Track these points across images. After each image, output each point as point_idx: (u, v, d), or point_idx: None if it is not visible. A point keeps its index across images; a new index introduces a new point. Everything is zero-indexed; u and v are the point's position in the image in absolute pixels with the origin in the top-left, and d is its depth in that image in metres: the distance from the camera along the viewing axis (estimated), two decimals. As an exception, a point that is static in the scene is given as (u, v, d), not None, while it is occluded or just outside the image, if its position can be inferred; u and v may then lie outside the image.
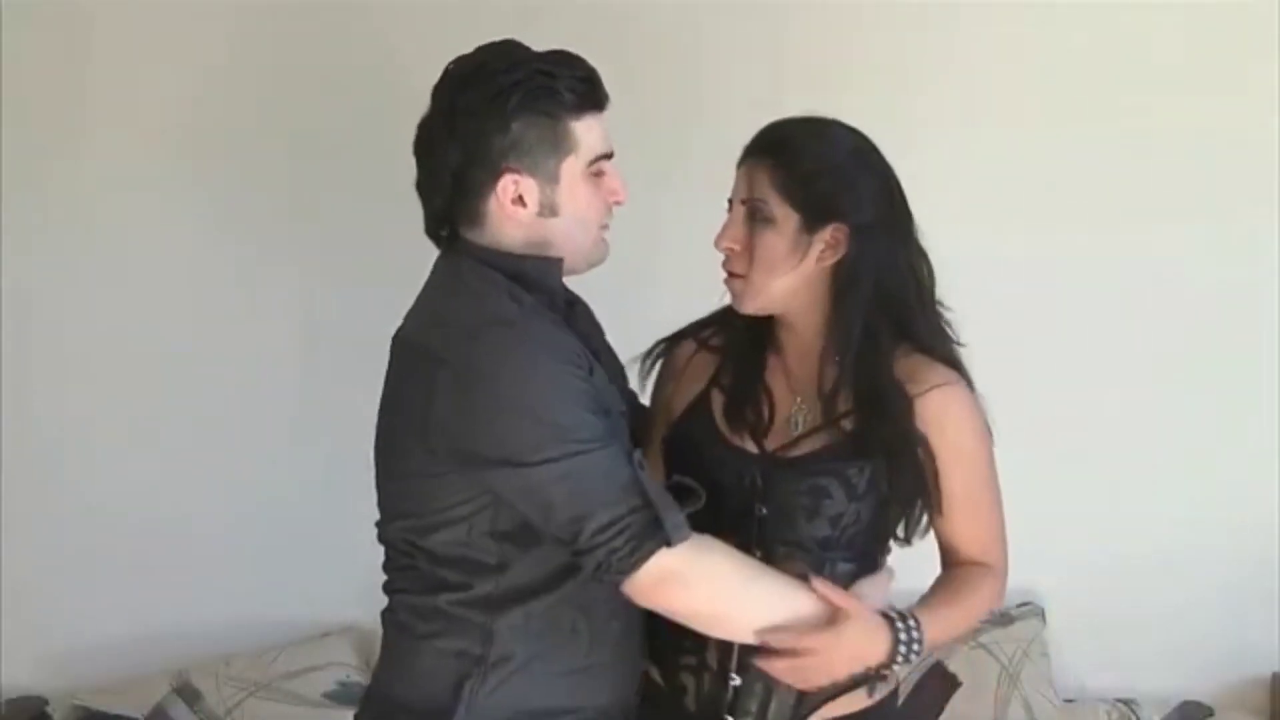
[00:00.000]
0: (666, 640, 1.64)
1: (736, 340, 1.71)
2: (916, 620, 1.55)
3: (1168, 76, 2.55)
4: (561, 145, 1.55)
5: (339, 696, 2.45)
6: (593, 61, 1.58)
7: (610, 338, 1.76)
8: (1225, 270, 2.61)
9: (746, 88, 2.50)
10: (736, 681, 1.58)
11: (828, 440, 1.63)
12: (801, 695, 1.56)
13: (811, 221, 1.58)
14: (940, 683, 2.57)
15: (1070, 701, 2.64)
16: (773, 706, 1.56)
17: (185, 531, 2.53)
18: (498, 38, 1.58)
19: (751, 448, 1.66)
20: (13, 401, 2.47)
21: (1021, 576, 2.67)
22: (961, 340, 1.68)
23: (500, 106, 1.52)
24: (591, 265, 1.64)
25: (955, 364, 1.66)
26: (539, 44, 1.57)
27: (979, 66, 2.56)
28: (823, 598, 1.51)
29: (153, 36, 2.46)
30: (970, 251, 2.52)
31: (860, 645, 1.51)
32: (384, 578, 1.65)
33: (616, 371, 1.73)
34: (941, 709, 2.55)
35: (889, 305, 1.61)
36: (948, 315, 1.67)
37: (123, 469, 2.52)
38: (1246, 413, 2.65)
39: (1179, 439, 2.65)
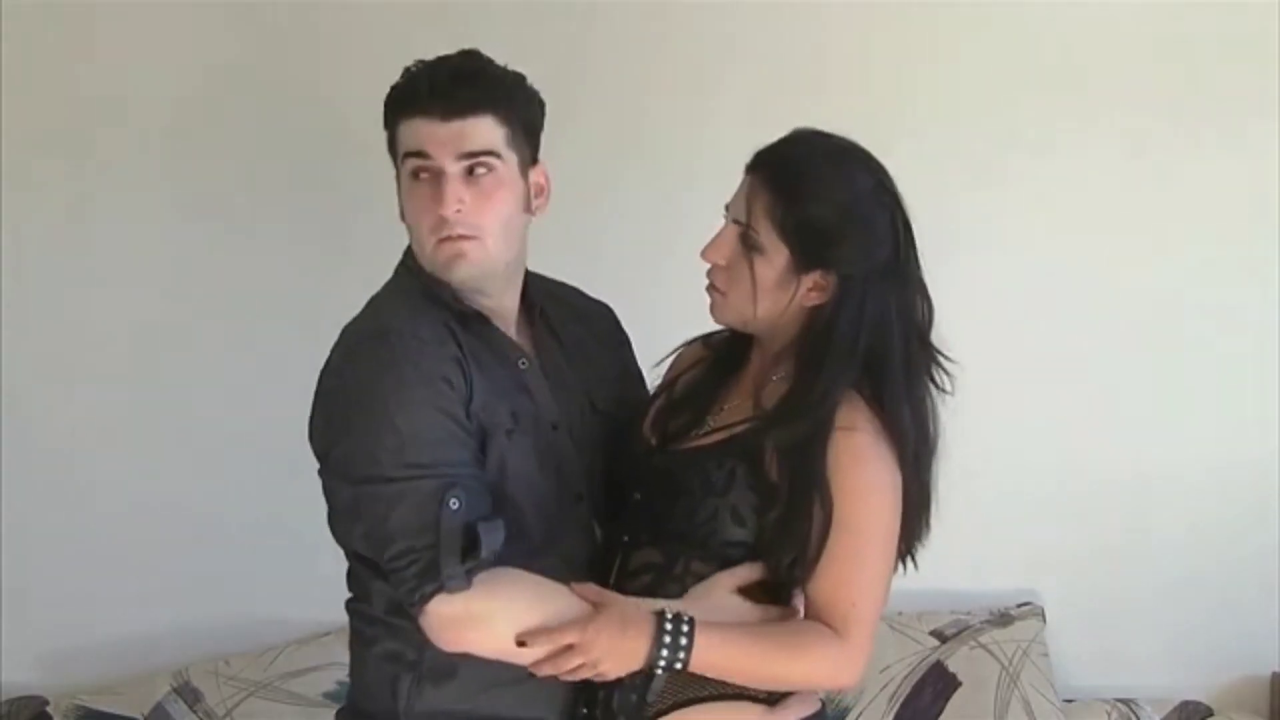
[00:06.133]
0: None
1: (722, 347, 1.71)
2: (691, 626, 1.45)
3: (1169, 81, 2.56)
4: (393, 147, 1.58)
5: (339, 696, 2.45)
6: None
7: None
8: (1227, 271, 2.62)
9: (758, 91, 2.51)
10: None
11: (710, 440, 1.60)
12: (645, 693, 1.52)
13: (801, 263, 1.54)
14: (940, 683, 2.57)
15: (1070, 701, 2.64)
16: (615, 699, 1.54)
17: (185, 532, 2.53)
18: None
19: (651, 437, 1.66)
20: (13, 401, 2.47)
21: (1021, 576, 2.72)
22: (947, 389, 1.60)
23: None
24: (446, 278, 1.57)
25: (884, 415, 1.54)
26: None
27: (979, 70, 2.56)
28: (577, 594, 1.49)
29: (153, 35, 2.46)
30: (967, 251, 2.55)
31: (615, 637, 1.45)
32: None
33: (580, 380, 1.70)
34: (941, 709, 2.55)
35: (869, 358, 1.54)
36: (944, 362, 1.60)
37: (123, 469, 2.52)
38: (1246, 413, 2.66)
39: (1179, 440, 2.65)
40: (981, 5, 2.55)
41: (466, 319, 1.58)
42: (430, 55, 1.58)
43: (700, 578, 1.55)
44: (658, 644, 1.44)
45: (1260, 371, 2.63)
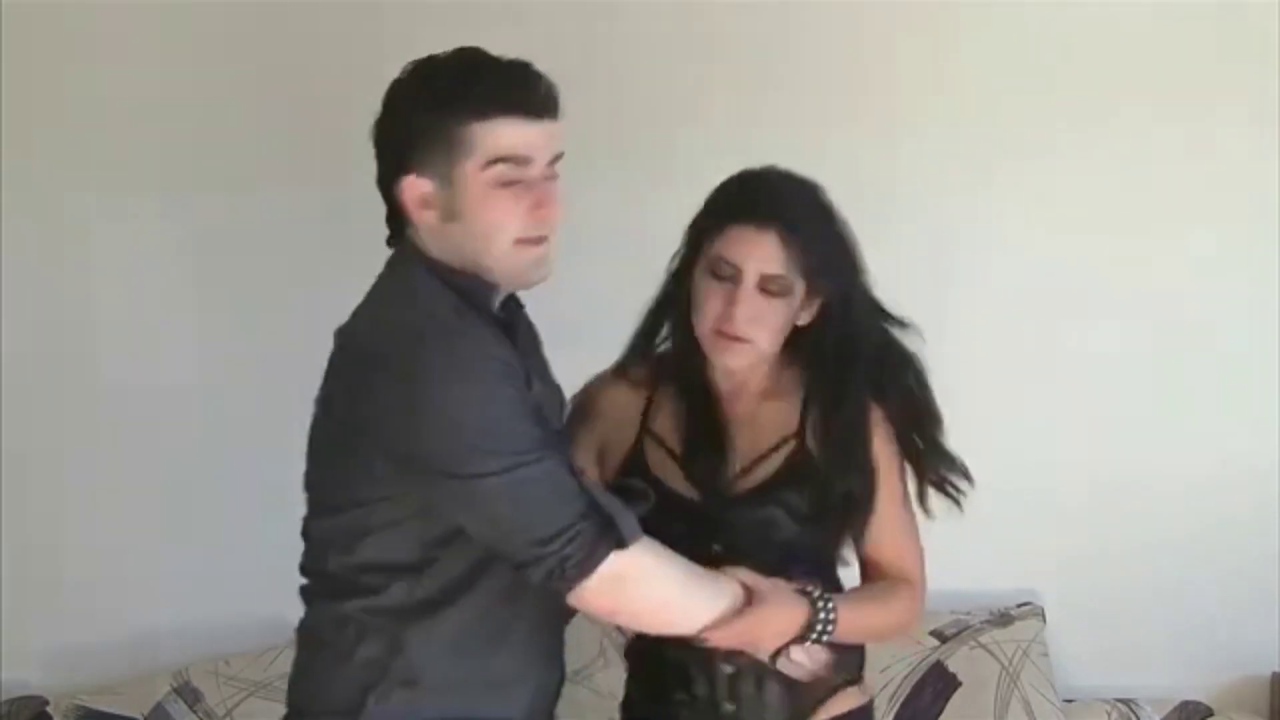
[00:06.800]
0: (655, 685, 1.75)
1: (685, 388, 1.74)
2: (833, 602, 1.62)
3: (1168, 82, 2.56)
4: (456, 147, 1.48)
5: (339, 696, 2.45)
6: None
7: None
8: (1227, 272, 2.62)
9: (756, 91, 2.52)
10: (729, 670, 1.68)
11: (767, 473, 1.70)
12: (793, 693, 1.68)
13: (810, 294, 1.66)
14: (940, 683, 2.56)
15: (1070, 701, 2.64)
16: (765, 699, 1.68)
17: (185, 531, 2.53)
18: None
19: (690, 491, 1.70)
20: (13, 402, 2.47)
21: (1021, 576, 2.72)
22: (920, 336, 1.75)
23: (403, 106, 1.52)
24: (518, 283, 1.57)
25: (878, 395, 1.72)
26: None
27: (979, 70, 2.56)
28: (741, 582, 1.58)
29: (153, 36, 2.46)
30: (965, 252, 2.56)
31: (781, 620, 1.60)
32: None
33: (554, 395, 1.71)
34: (941, 709, 2.55)
35: (870, 359, 1.71)
36: (907, 322, 1.74)
37: (123, 469, 2.52)
38: (1246, 413, 2.65)
39: (1179, 440, 2.65)
40: (982, 6, 2.54)
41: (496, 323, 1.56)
42: (431, 52, 1.57)
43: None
44: (813, 620, 1.60)
45: (1260, 371, 2.63)
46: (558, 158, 1.54)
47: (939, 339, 2.58)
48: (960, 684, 2.57)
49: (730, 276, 1.62)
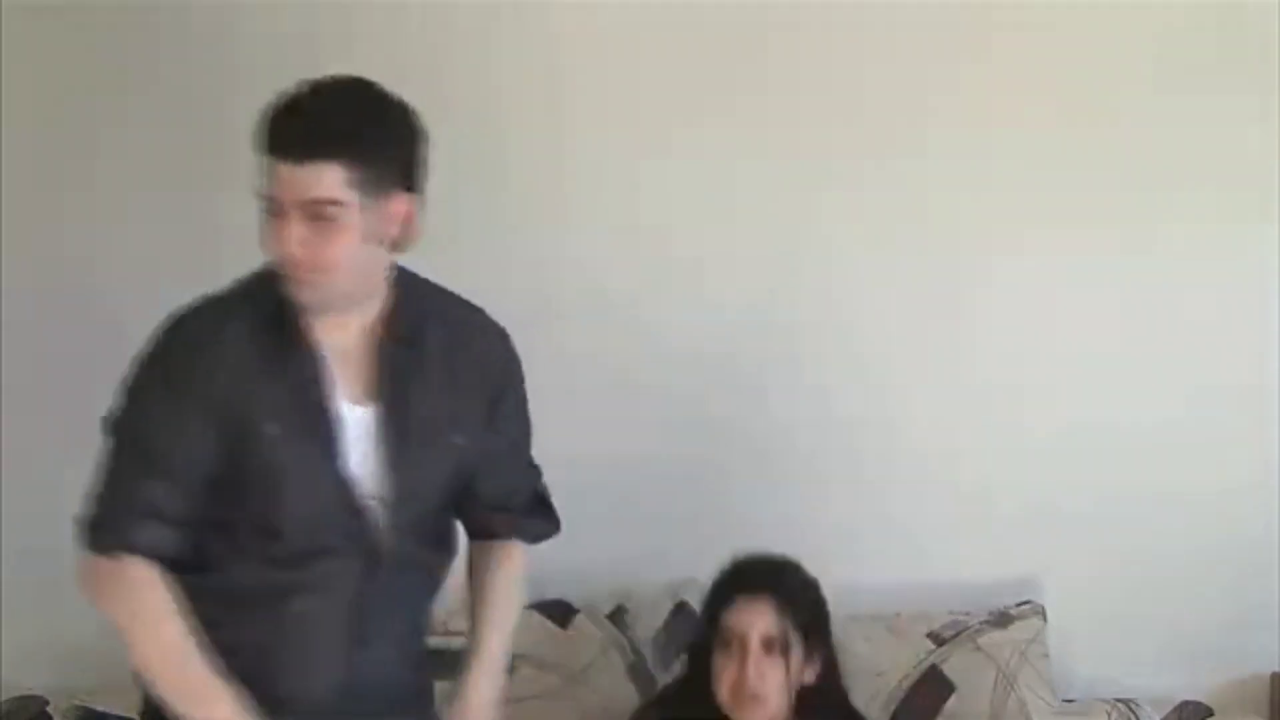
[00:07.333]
0: None
1: None
2: None
3: (1168, 82, 2.56)
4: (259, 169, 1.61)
5: (339, 696, 2.44)
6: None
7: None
8: (1228, 274, 2.62)
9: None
10: None
11: None
12: None
13: (809, 645, 1.99)
14: (939, 682, 2.56)
15: (1070, 701, 2.63)
16: None
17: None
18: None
19: None
20: (13, 401, 2.47)
21: (1022, 576, 2.71)
22: None
23: None
24: (300, 304, 1.66)
25: None
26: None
27: (979, 70, 2.56)
28: None
29: (154, 36, 2.46)
30: (968, 252, 2.56)
31: None
32: None
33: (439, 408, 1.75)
34: (941, 709, 2.54)
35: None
36: None
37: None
38: (1247, 412, 2.65)
39: (1180, 439, 2.65)
40: (981, 7, 2.54)
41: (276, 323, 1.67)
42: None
43: None
44: None
45: (1262, 370, 2.63)
46: (326, 202, 1.58)
47: (940, 339, 2.60)
48: (960, 684, 2.56)
49: (738, 644, 1.93)
